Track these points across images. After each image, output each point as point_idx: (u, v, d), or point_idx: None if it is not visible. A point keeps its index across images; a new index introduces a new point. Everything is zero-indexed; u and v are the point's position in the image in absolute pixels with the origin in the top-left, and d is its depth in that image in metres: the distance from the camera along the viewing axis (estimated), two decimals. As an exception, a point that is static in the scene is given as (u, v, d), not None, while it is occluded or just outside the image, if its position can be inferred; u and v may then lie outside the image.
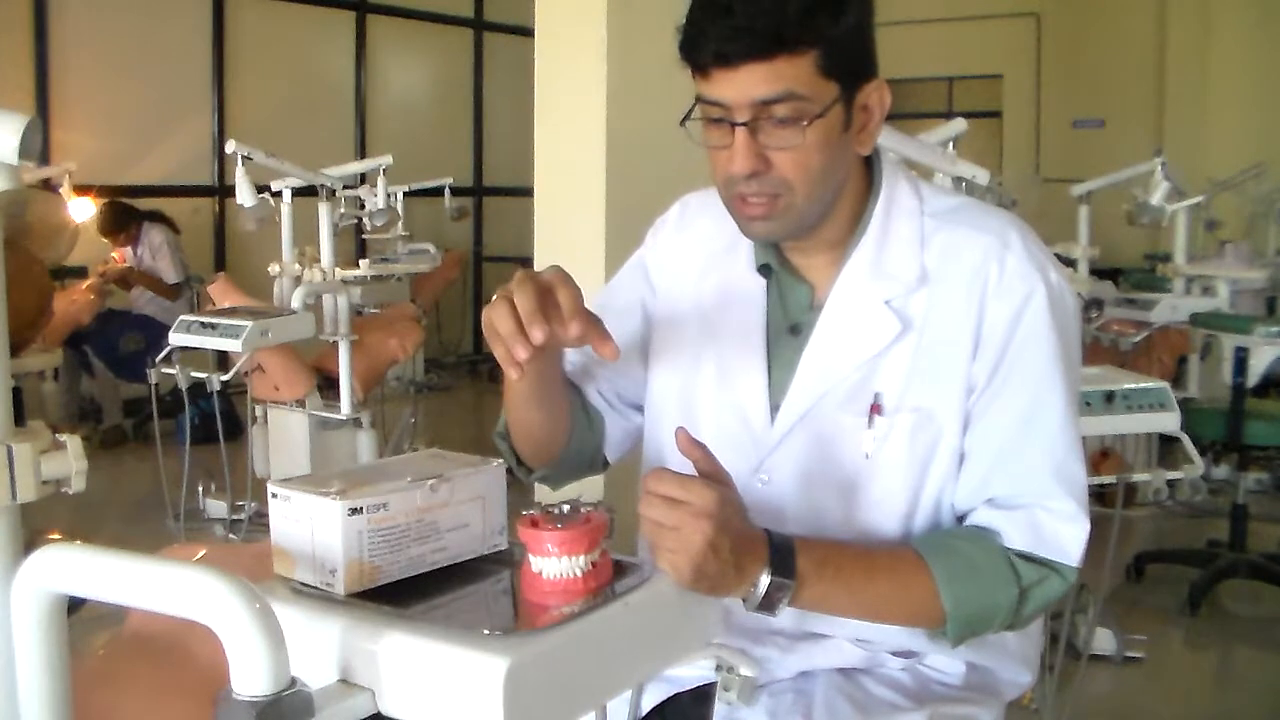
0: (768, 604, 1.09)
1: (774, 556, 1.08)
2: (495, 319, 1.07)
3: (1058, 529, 1.18)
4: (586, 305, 1.10)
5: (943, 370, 1.21)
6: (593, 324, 1.10)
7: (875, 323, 1.22)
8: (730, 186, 1.18)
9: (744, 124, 1.13)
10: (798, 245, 1.27)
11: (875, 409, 1.21)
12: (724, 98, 1.14)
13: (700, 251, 1.35)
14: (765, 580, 1.08)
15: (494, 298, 1.09)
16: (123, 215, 6.01)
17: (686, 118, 1.19)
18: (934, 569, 1.15)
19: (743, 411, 1.27)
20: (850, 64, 1.15)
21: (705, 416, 1.28)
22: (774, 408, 1.26)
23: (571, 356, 1.39)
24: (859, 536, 1.22)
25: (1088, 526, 1.19)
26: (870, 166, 1.28)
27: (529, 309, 1.05)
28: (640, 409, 1.40)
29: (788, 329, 1.28)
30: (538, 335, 1.05)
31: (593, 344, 1.11)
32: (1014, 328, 1.19)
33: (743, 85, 1.12)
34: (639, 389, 1.39)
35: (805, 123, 1.13)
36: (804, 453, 1.24)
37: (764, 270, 1.29)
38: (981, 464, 1.21)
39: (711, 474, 1.08)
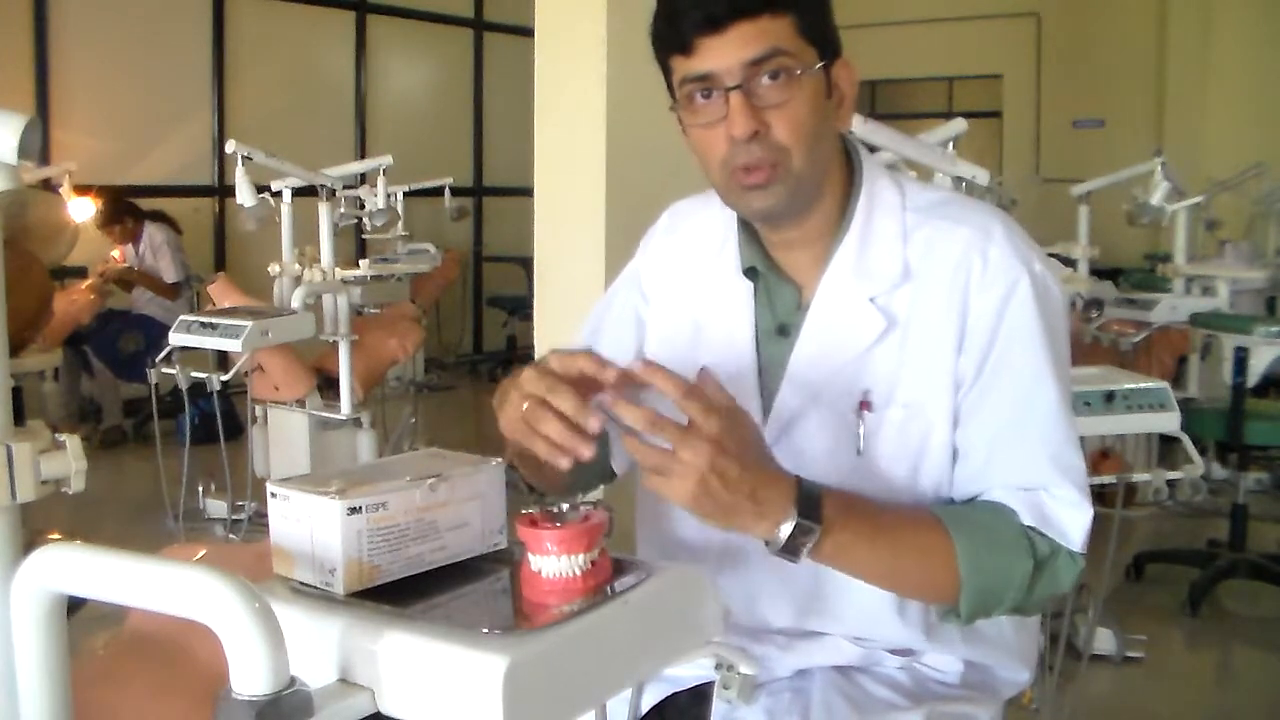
0: (791, 548, 1.08)
1: (801, 500, 1.08)
2: (538, 423, 1.06)
3: (1061, 514, 1.18)
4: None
5: (930, 365, 1.21)
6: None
7: (861, 320, 1.22)
8: (729, 162, 1.18)
9: (737, 86, 1.14)
10: (784, 240, 1.27)
11: (865, 406, 1.22)
12: (713, 67, 1.15)
13: (689, 256, 1.36)
14: (791, 522, 1.07)
15: (509, 396, 1.10)
16: (119, 206, 5.99)
17: (674, 106, 1.21)
18: (954, 534, 1.15)
19: None
20: (824, 31, 1.19)
21: None
22: (765, 410, 1.26)
23: None
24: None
25: (1090, 513, 1.19)
26: (851, 165, 1.28)
27: (574, 406, 1.05)
28: None
29: (776, 330, 1.28)
30: (594, 425, 1.04)
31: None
32: (999, 320, 1.19)
33: (731, 48, 1.14)
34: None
35: (798, 72, 1.15)
36: (797, 452, 1.23)
37: (750, 273, 1.30)
38: (978, 458, 1.21)
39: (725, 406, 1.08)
